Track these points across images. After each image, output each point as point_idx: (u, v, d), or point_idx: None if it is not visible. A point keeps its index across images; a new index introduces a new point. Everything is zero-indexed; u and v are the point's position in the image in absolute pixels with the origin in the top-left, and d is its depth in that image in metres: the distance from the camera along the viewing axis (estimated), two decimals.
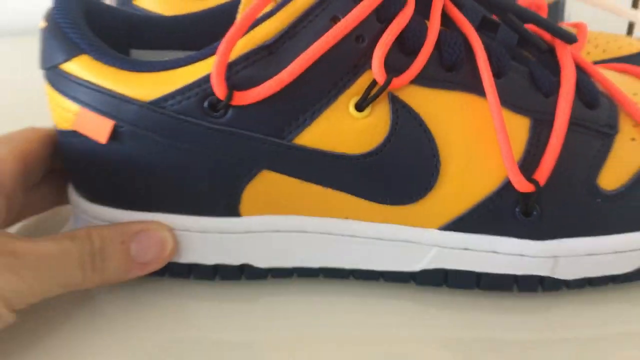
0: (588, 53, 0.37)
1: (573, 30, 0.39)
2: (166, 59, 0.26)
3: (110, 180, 0.27)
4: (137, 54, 0.31)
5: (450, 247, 0.26)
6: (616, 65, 0.30)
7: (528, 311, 0.26)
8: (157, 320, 0.27)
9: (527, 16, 0.27)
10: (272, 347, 0.25)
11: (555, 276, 0.26)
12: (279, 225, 0.27)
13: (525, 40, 0.27)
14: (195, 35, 0.30)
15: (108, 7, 0.29)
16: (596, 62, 0.35)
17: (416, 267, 0.27)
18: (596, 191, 0.25)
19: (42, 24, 0.27)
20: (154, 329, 0.26)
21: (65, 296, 0.26)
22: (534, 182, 0.24)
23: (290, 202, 0.26)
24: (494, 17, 0.28)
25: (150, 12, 0.37)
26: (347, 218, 0.26)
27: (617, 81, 0.28)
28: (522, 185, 0.24)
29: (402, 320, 0.26)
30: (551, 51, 0.27)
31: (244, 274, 0.28)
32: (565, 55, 0.26)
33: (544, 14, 0.39)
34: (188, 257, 0.27)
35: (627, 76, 0.29)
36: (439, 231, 0.26)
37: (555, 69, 0.26)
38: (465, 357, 0.24)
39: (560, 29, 0.27)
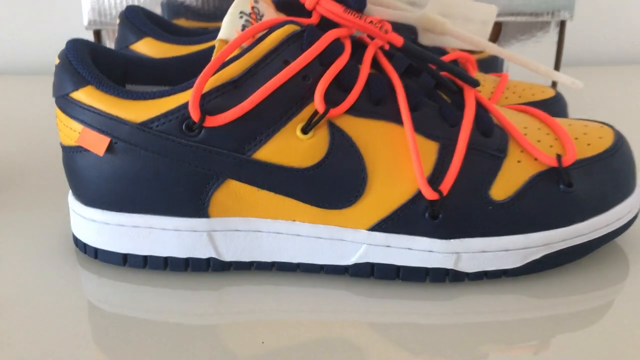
0: (506, 98, 0.44)
1: (497, 79, 0.46)
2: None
3: (104, 186, 0.33)
4: (132, 88, 0.38)
5: (376, 245, 0.32)
6: (518, 106, 0.37)
7: (438, 299, 0.32)
8: (137, 305, 0.32)
9: (444, 66, 0.34)
10: (233, 329, 0.31)
11: (458, 269, 0.32)
12: (239, 225, 0.33)
13: (441, 84, 0.35)
14: (178, 74, 0.37)
15: (110, 50, 0.36)
16: (511, 104, 0.42)
17: (349, 261, 0.33)
18: (488, 200, 0.32)
19: (56, 61, 0.34)
20: (133, 313, 0.32)
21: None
22: (439, 192, 0.31)
23: (249, 206, 0.32)
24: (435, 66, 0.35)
25: (143, 55, 0.44)
26: (294, 220, 0.33)
27: (513, 117, 0.35)
28: (430, 194, 0.31)
29: (339, 306, 0.32)
30: (460, 92, 0.34)
31: (211, 266, 0.34)
32: (469, 95, 0.34)
33: (473, 66, 0.46)
34: (164, 251, 0.34)
35: (523, 114, 0.36)
36: (367, 231, 0.32)
37: (461, 106, 0.33)
38: (389, 338, 0.30)
39: (467, 76, 0.34)
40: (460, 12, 0.46)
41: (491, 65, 0.56)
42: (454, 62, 0.44)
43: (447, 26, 0.44)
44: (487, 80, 0.45)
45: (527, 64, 0.44)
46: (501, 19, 0.55)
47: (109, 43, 0.58)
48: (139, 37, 0.44)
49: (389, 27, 0.39)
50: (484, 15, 0.46)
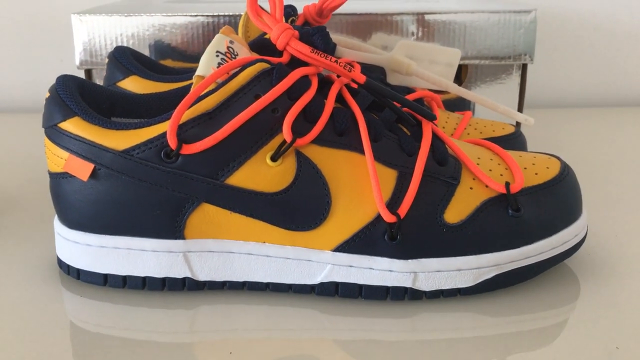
0: (468, 133, 0.47)
1: (460, 117, 0.49)
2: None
3: (87, 210, 0.35)
4: (117, 120, 0.40)
5: (340, 265, 0.35)
6: (473, 139, 0.40)
7: (398, 316, 0.35)
8: (116, 323, 0.34)
9: (404, 102, 0.37)
10: (207, 346, 0.33)
11: (416, 287, 0.35)
12: (213, 247, 0.35)
13: (402, 118, 0.38)
14: (160, 108, 0.39)
15: (96, 85, 0.39)
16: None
17: (315, 280, 0.35)
18: (443, 223, 0.34)
19: (47, 94, 0.36)
20: (112, 331, 0.34)
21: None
22: (397, 216, 0.34)
23: (222, 228, 0.35)
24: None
25: (128, 91, 0.47)
26: (264, 242, 0.35)
27: (467, 149, 0.38)
28: (388, 217, 0.34)
29: (306, 324, 0.34)
30: (419, 125, 0.37)
31: (186, 285, 0.36)
32: (427, 128, 0.37)
33: (438, 104, 0.49)
34: (143, 271, 0.36)
35: (477, 146, 0.39)
36: (331, 252, 0.35)
37: (419, 137, 0.36)
38: (352, 354, 0.32)
39: (424, 110, 0.37)
40: (425, 55, 0.50)
41: (459, 104, 0.59)
42: (420, 100, 0.48)
43: (413, 67, 0.47)
44: (451, 118, 0.49)
45: (486, 102, 0.47)
46: (467, 62, 0.59)
47: (99, 81, 0.61)
48: (126, 75, 0.47)
49: (357, 67, 0.42)
50: (449, 58, 0.50)
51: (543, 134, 0.68)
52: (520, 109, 0.61)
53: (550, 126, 0.71)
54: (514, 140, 0.48)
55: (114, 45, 0.57)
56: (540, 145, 0.64)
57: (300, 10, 0.49)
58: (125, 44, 0.58)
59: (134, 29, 0.57)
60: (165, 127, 0.34)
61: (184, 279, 0.36)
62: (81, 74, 0.61)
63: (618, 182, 0.55)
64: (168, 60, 0.58)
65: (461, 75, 0.61)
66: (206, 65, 0.36)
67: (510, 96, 0.60)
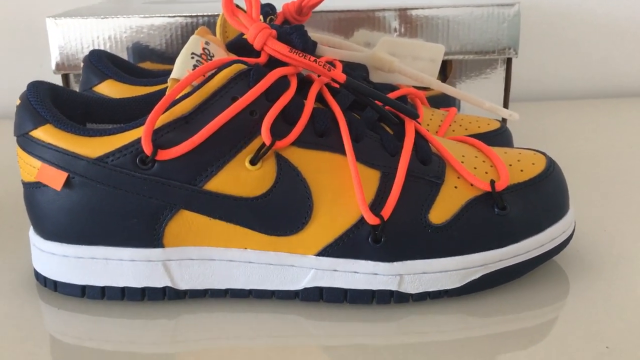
0: (453, 130, 0.46)
1: (445, 113, 0.49)
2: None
3: (62, 220, 0.34)
4: (92, 126, 0.39)
5: (323, 269, 0.34)
6: (458, 137, 0.39)
7: (384, 320, 0.34)
8: (96, 335, 0.33)
9: (385, 101, 0.37)
10: (190, 356, 0.32)
11: (402, 290, 0.34)
12: (193, 254, 0.34)
13: (384, 117, 0.37)
14: (135, 113, 0.38)
15: (70, 91, 0.38)
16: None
17: (299, 286, 0.34)
18: (427, 224, 0.33)
19: (17, 102, 0.35)
20: (91, 343, 0.33)
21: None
22: (381, 217, 0.33)
23: (201, 235, 0.34)
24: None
25: (105, 95, 0.46)
26: (245, 248, 0.34)
27: (451, 147, 0.37)
28: (372, 219, 0.33)
29: (291, 330, 0.34)
30: (402, 124, 0.37)
31: (166, 295, 0.35)
32: (409, 127, 0.36)
33: (422, 101, 0.49)
34: (121, 282, 0.35)
35: (462, 144, 0.38)
36: (314, 257, 0.34)
37: (402, 136, 0.36)
38: (338, 359, 0.32)
39: (407, 109, 0.36)
40: (408, 51, 0.49)
41: (444, 100, 0.59)
42: (403, 97, 0.47)
43: (395, 64, 0.47)
44: (435, 114, 0.48)
45: (470, 99, 0.46)
46: (451, 57, 0.58)
47: (76, 86, 0.59)
48: (102, 79, 0.46)
49: (339, 66, 0.41)
50: (432, 54, 0.49)
51: (529, 127, 0.67)
52: (505, 103, 0.60)
53: (536, 119, 0.71)
54: (499, 136, 0.47)
55: (91, 49, 0.56)
56: (526, 138, 0.63)
57: (279, 9, 0.48)
58: (102, 47, 0.56)
59: (110, 32, 0.56)
60: (140, 133, 0.33)
61: (164, 288, 0.35)
62: (58, 79, 0.60)
63: (605, 174, 0.54)
64: (147, 63, 0.57)
65: (446, 70, 0.60)
66: (181, 68, 0.35)
67: (495, 90, 0.60)
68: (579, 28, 0.82)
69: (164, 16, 0.56)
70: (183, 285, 0.35)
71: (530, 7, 0.80)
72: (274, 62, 0.36)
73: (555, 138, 0.64)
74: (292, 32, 0.36)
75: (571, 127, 0.68)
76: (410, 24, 0.57)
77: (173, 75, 0.34)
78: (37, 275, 0.37)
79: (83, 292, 0.35)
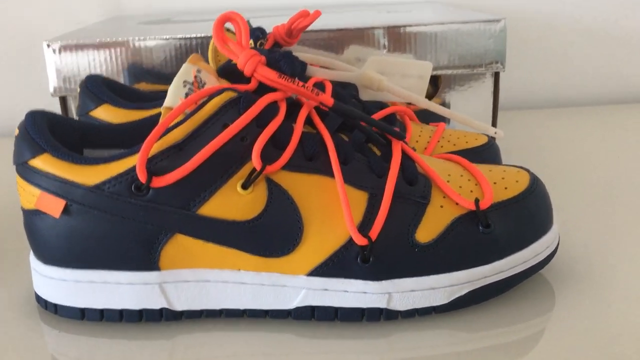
0: (442, 146, 0.47)
1: (434, 129, 0.50)
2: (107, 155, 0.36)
3: (61, 245, 0.35)
4: (89, 152, 0.41)
5: (314, 289, 0.35)
6: (444, 155, 0.41)
7: (374, 337, 0.35)
8: (95, 356, 0.35)
9: (372, 123, 0.38)
10: None
11: (391, 308, 0.35)
12: (188, 276, 0.35)
13: (372, 138, 0.38)
14: (131, 138, 0.40)
15: (66, 118, 0.39)
16: (446, 152, 0.46)
17: (291, 305, 0.36)
18: (414, 243, 0.35)
19: (15, 131, 0.36)
20: None
21: None
22: (369, 238, 0.34)
23: (196, 258, 0.35)
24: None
25: (101, 120, 0.47)
26: (239, 269, 0.35)
27: (438, 166, 0.38)
28: (360, 240, 0.34)
29: (284, 348, 0.35)
30: (390, 144, 0.38)
31: (163, 316, 0.36)
32: (396, 148, 0.37)
33: (411, 117, 0.50)
34: (119, 304, 0.36)
35: (448, 162, 0.39)
36: (305, 277, 0.35)
37: (389, 157, 0.37)
38: None
39: (394, 131, 0.37)
40: (397, 69, 0.50)
41: (433, 115, 0.60)
42: (392, 115, 0.48)
43: (384, 83, 0.48)
44: (424, 130, 0.49)
45: (457, 117, 0.47)
46: (440, 72, 0.59)
47: (74, 108, 0.61)
48: (98, 104, 0.47)
49: (328, 87, 0.42)
50: (420, 71, 0.50)
51: (518, 136, 0.68)
52: (495, 114, 0.62)
53: (525, 127, 0.72)
54: (487, 151, 0.48)
55: (87, 72, 0.57)
56: (515, 149, 0.64)
57: (269, 30, 0.49)
58: (98, 69, 0.58)
59: (106, 54, 0.57)
60: (135, 161, 0.34)
61: (161, 309, 0.36)
62: (56, 101, 0.61)
63: (591, 182, 0.55)
64: (142, 83, 0.58)
65: (437, 83, 0.61)
66: (174, 96, 0.36)
67: (484, 103, 0.61)
68: (566, 37, 0.83)
69: (158, 38, 0.57)
70: (179, 306, 0.36)
71: (517, 18, 0.81)
72: (263, 88, 0.37)
73: (543, 148, 0.65)
74: (281, 58, 0.37)
75: (558, 136, 0.70)
76: (399, 40, 0.58)
77: (166, 103, 0.36)
78: (38, 299, 0.38)
79: (82, 315, 0.36)
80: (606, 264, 0.41)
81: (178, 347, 0.35)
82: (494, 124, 0.61)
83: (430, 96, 0.62)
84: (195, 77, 0.37)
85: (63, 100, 0.60)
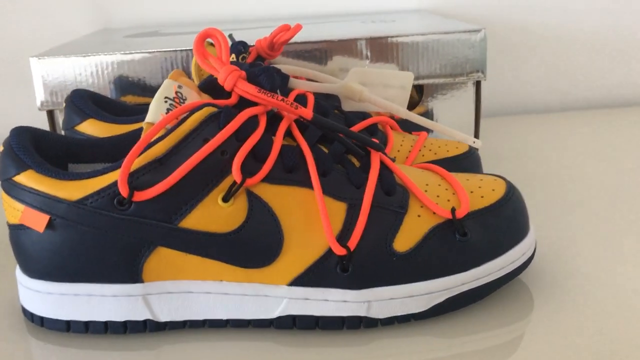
0: (423, 155, 0.48)
1: (416, 138, 0.51)
2: (90, 170, 0.36)
3: (46, 259, 0.36)
4: (73, 167, 0.41)
5: (296, 298, 0.36)
6: (423, 164, 0.41)
7: (355, 344, 0.35)
8: None
9: (350, 134, 0.39)
10: None
11: (371, 316, 0.36)
12: (171, 288, 0.36)
13: (351, 150, 0.39)
14: (114, 152, 0.40)
15: (51, 134, 0.40)
16: (426, 162, 0.47)
17: (273, 314, 0.36)
18: (392, 252, 0.35)
19: (0, 148, 0.37)
20: None
21: None
22: (347, 248, 0.35)
23: (179, 269, 0.36)
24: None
25: (86, 134, 0.47)
26: (221, 280, 0.36)
27: (416, 175, 0.39)
28: (339, 250, 0.35)
29: (267, 357, 0.35)
30: (369, 155, 0.39)
31: (148, 327, 0.37)
32: (375, 158, 0.38)
33: (394, 126, 0.51)
34: (104, 316, 0.36)
35: (427, 172, 0.40)
36: (287, 286, 0.36)
37: (368, 168, 0.38)
38: None
39: (372, 142, 0.38)
40: (379, 80, 0.51)
41: (415, 124, 0.61)
42: (374, 125, 0.49)
43: (365, 94, 0.49)
44: (406, 140, 0.50)
45: (436, 127, 0.48)
46: (423, 81, 0.60)
47: (61, 122, 0.61)
48: (83, 118, 0.48)
49: (311, 98, 0.43)
50: (402, 81, 0.51)
51: (498, 145, 0.70)
52: (477, 122, 0.62)
53: (507, 135, 0.73)
54: (468, 159, 0.49)
55: (74, 86, 0.58)
56: (495, 157, 0.66)
57: (252, 43, 0.50)
58: (85, 83, 0.58)
59: (92, 68, 0.58)
60: (117, 176, 0.34)
61: (145, 321, 0.37)
62: (43, 115, 0.61)
63: (569, 188, 0.56)
64: (129, 96, 0.59)
65: (421, 93, 0.62)
66: (155, 112, 0.36)
67: (466, 111, 0.62)
68: (547, 44, 0.84)
69: (144, 52, 0.58)
70: (163, 317, 0.37)
71: (501, 26, 0.82)
72: (244, 102, 0.38)
73: (522, 154, 0.66)
74: (260, 73, 0.38)
75: (538, 142, 0.71)
76: (381, 51, 0.59)
77: (147, 119, 0.36)
78: (25, 312, 0.39)
79: (68, 327, 0.37)
80: (583, 268, 0.42)
81: (162, 357, 0.35)
82: (476, 131, 0.62)
83: (414, 104, 0.63)
84: (177, 92, 0.37)
85: (50, 114, 0.61)
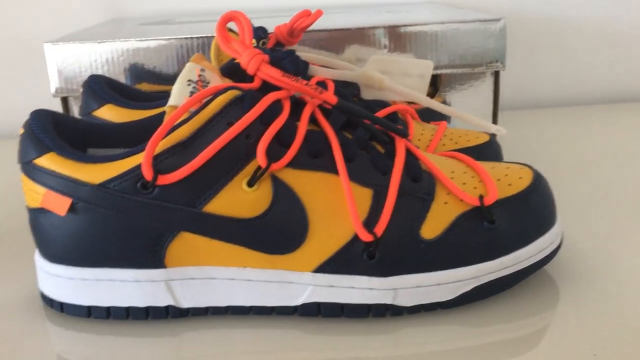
0: (444, 144, 0.48)
1: (435, 128, 0.50)
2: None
3: (67, 244, 0.35)
4: (93, 152, 0.41)
5: (321, 285, 0.35)
6: (447, 152, 0.41)
7: (380, 332, 0.35)
8: (102, 354, 0.35)
9: (376, 120, 0.38)
10: None
11: (397, 304, 0.35)
12: (194, 274, 0.36)
13: (375, 136, 0.38)
14: (135, 137, 0.40)
15: (72, 118, 0.39)
16: (448, 151, 0.46)
17: (297, 302, 0.36)
18: (420, 239, 0.35)
19: (20, 130, 0.36)
20: None
21: None
22: (374, 234, 0.34)
23: (202, 255, 0.35)
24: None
25: (104, 120, 0.47)
26: (245, 266, 0.35)
27: (441, 163, 0.38)
28: (365, 236, 0.34)
29: (290, 345, 0.35)
30: (393, 142, 0.38)
31: (170, 313, 0.36)
32: (400, 145, 0.37)
33: (413, 116, 0.50)
34: (125, 302, 0.36)
35: (451, 159, 0.40)
36: (312, 273, 0.35)
37: (393, 155, 0.37)
38: None
39: (397, 128, 0.38)
40: (398, 69, 0.50)
41: (435, 113, 0.60)
42: (394, 113, 0.48)
43: (385, 82, 0.48)
44: (426, 129, 0.49)
45: (459, 115, 0.48)
46: (441, 71, 0.59)
47: (75, 109, 0.61)
48: (101, 103, 0.47)
49: (331, 85, 0.42)
50: (421, 70, 0.50)
51: (519, 135, 0.69)
52: (495, 114, 0.62)
53: (526, 127, 0.72)
54: (488, 149, 0.48)
55: (89, 72, 0.58)
56: (516, 148, 0.65)
57: (271, 31, 0.50)
58: (100, 70, 0.58)
59: (107, 55, 0.57)
60: (141, 159, 0.34)
61: (167, 307, 0.36)
62: (57, 102, 0.61)
63: (593, 181, 0.55)
64: (143, 84, 0.58)
65: (437, 83, 0.62)
66: (178, 95, 0.36)
67: (484, 102, 0.61)
68: (566, 36, 0.84)
69: (159, 39, 0.58)
70: (185, 303, 0.36)
71: (517, 17, 0.81)
72: (267, 87, 0.37)
73: (544, 146, 0.65)
74: (284, 57, 0.37)
75: (559, 135, 0.70)
76: (400, 40, 0.58)
77: (171, 102, 0.36)
78: (44, 297, 0.38)
79: (89, 313, 0.37)
80: (609, 260, 0.41)
81: (184, 345, 0.35)
82: (494, 123, 0.61)
83: (430, 96, 0.62)
84: (199, 76, 0.37)
85: (64, 101, 0.60)
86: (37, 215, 0.36)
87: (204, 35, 0.58)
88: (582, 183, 0.55)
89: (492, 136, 0.50)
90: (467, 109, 0.60)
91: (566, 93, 0.86)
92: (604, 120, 0.75)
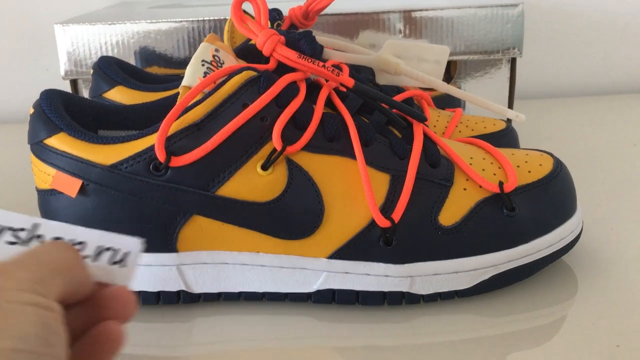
0: (460, 131, 0.47)
1: (451, 114, 0.49)
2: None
3: (77, 225, 0.35)
4: (103, 133, 0.40)
5: (335, 272, 0.34)
6: (465, 138, 0.40)
7: (396, 321, 0.34)
8: None
9: (394, 104, 0.37)
10: (205, 358, 0.32)
11: (413, 292, 0.34)
12: (206, 258, 0.35)
13: (392, 120, 0.37)
14: (146, 119, 0.39)
15: (82, 98, 0.38)
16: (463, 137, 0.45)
17: (311, 288, 0.35)
18: (438, 226, 0.34)
19: (30, 110, 0.36)
20: None
21: None
22: (391, 220, 0.33)
23: (214, 240, 0.34)
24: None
25: (115, 102, 0.46)
26: (258, 252, 0.35)
27: (460, 149, 0.38)
28: (382, 222, 0.33)
29: (304, 332, 0.34)
30: (410, 127, 0.37)
31: (181, 298, 0.36)
32: (418, 130, 0.36)
33: (428, 102, 0.49)
34: (136, 286, 0.35)
35: (470, 146, 0.39)
36: (326, 259, 0.34)
37: (411, 140, 0.36)
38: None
39: (415, 112, 0.37)
40: (414, 53, 0.49)
41: (449, 101, 0.59)
42: (410, 99, 0.47)
43: (401, 67, 0.47)
44: (442, 116, 0.48)
45: (476, 100, 0.47)
46: (456, 57, 0.58)
47: (85, 91, 0.60)
48: (111, 85, 0.46)
49: (345, 69, 0.42)
50: (437, 56, 0.49)
51: (535, 125, 0.68)
52: (510, 102, 0.61)
53: (542, 117, 0.71)
54: (505, 136, 0.47)
55: (99, 55, 0.57)
56: (532, 136, 0.64)
57: (285, 13, 0.49)
58: (110, 53, 0.57)
59: (118, 37, 0.57)
60: (153, 140, 0.33)
61: (179, 292, 0.35)
62: (67, 85, 0.60)
63: (611, 171, 0.54)
64: (154, 67, 0.58)
65: (451, 70, 0.60)
66: (192, 75, 0.35)
67: (500, 90, 0.60)
68: (583, 25, 0.82)
69: (170, 21, 0.57)
70: (197, 288, 0.35)
71: (534, 5, 0.80)
72: (282, 68, 0.36)
73: (561, 135, 0.64)
74: (301, 38, 0.36)
75: (576, 124, 0.69)
76: (415, 25, 0.57)
77: (184, 82, 0.35)
78: None
79: None
80: (628, 251, 0.40)
81: (196, 330, 0.34)
82: None
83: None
84: (214, 56, 0.36)
85: (74, 84, 0.60)
86: (47, 197, 0.35)
87: (215, 18, 0.57)
88: (600, 173, 0.54)
89: (509, 123, 0.49)
90: (482, 97, 0.59)
91: (584, 83, 0.84)
92: (621, 111, 0.74)
